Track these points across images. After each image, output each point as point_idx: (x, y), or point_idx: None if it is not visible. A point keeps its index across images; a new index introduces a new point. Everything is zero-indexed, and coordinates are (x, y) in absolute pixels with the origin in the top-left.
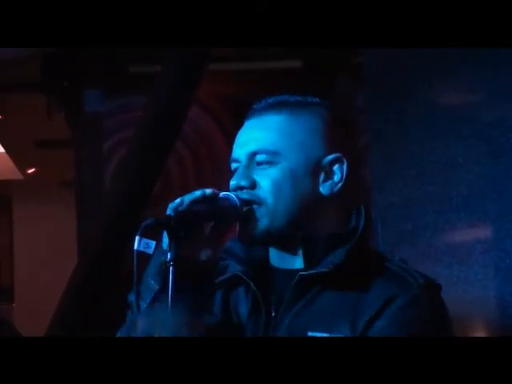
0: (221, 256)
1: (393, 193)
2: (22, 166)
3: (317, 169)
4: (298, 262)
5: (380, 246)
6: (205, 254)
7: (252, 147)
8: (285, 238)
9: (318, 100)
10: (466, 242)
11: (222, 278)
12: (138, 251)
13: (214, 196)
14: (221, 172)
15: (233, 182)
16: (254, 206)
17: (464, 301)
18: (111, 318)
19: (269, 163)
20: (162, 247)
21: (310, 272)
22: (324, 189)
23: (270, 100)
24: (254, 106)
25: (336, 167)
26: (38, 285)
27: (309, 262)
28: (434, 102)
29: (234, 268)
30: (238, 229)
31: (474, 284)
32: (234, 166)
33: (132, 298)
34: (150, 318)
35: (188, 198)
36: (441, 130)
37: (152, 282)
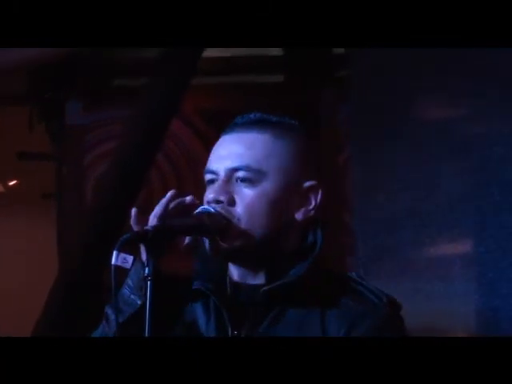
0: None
1: (374, 207)
2: (2, 178)
3: (294, 194)
4: (260, 278)
5: (359, 259)
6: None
7: (234, 163)
8: (253, 255)
9: (296, 123)
10: (447, 257)
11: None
12: (116, 266)
13: (192, 206)
14: (202, 185)
15: (210, 195)
16: (229, 223)
17: (444, 316)
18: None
19: (250, 181)
20: (141, 261)
21: (272, 285)
22: (298, 214)
23: (252, 116)
24: (236, 121)
25: (312, 195)
26: (17, 297)
27: (271, 278)
28: (418, 116)
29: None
30: (209, 242)
31: (454, 299)
32: (209, 177)
33: (109, 310)
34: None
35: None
36: (424, 143)
37: (132, 296)
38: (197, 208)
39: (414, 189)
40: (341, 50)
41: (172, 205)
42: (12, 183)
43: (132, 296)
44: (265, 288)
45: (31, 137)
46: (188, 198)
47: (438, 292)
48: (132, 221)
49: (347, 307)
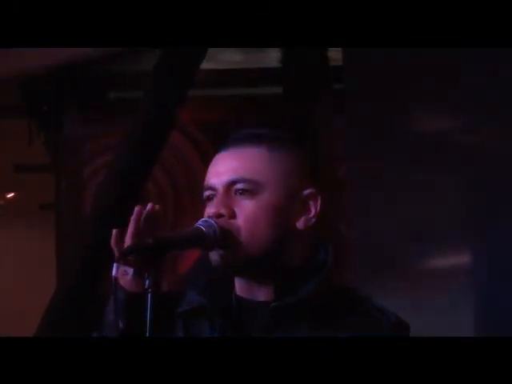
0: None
1: (373, 220)
2: (1, 189)
3: (294, 203)
4: (267, 294)
5: (359, 272)
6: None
7: (231, 176)
8: (258, 269)
9: (291, 135)
10: (446, 269)
11: (183, 308)
12: (116, 278)
13: (156, 212)
14: (200, 197)
15: (211, 210)
16: (232, 236)
17: (444, 327)
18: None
19: (249, 193)
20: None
21: (281, 302)
22: (300, 223)
23: (247, 132)
24: (231, 137)
25: (311, 202)
26: (15, 309)
27: (279, 294)
28: (417, 127)
29: (195, 298)
30: (212, 255)
31: (454, 310)
32: (207, 193)
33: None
34: None
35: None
36: (423, 154)
37: (111, 318)
38: (160, 213)
39: (413, 201)
40: (339, 62)
41: (142, 220)
42: (10, 195)
43: (111, 317)
44: (274, 304)
45: (30, 148)
46: (148, 206)
47: (437, 304)
48: (112, 242)
49: (355, 326)
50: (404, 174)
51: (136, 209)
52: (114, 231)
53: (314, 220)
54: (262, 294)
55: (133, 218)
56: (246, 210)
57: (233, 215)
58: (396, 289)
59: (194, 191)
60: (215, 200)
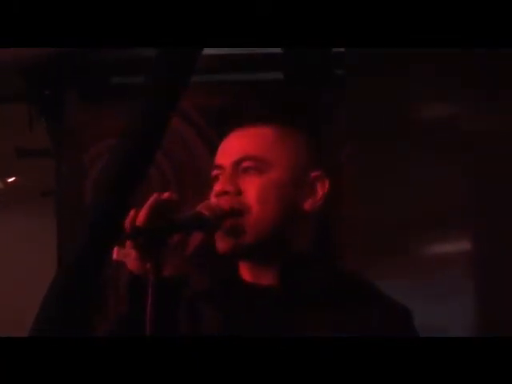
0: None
1: (371, 210)
2: (2, 175)
3: (301, 184)
4: (271, 278)
5: (354, 264)
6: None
7: (239, 154)
8: (262, 252)
9: (297, 117)
10: (445, 258)
11: (187, 290)
12: (117, 261)
13: (173, 201)
14: (202, 182)
15: (217, 188)
16: (237, 214)
17: (444, 316)
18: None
19: (256, 170)
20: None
21: (286, 288)
22: (307, 205)
23: (255, 113)
24: (240, 118)
25: (318, 185)
26: (15, 295)
27: (284, 279)
28: (419, 115)
29: (199, 280)
30: (217, 239)
31: (454, 299)
32: (214, 172)
33: None
34: None
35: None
36: (425, 142)
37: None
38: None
39: (413, 190)
40: (341, 49)
41: (155, 206)
42: (11, 180)
43: None
44: (278, 289)
45: (31, 134)
46: (166, 194)
47: (437, 292)
48: (126, 221)
49: (360, 314)
50: (405, 162)
51: (155, 195)
52: (132, 211)
53: (321, 202)
54: (267, 278)
55: (148, 203)
56: (253, 188)
57: (239, 192)
58: (396, 275)
59: (197, 176)
60: (222, 178)
